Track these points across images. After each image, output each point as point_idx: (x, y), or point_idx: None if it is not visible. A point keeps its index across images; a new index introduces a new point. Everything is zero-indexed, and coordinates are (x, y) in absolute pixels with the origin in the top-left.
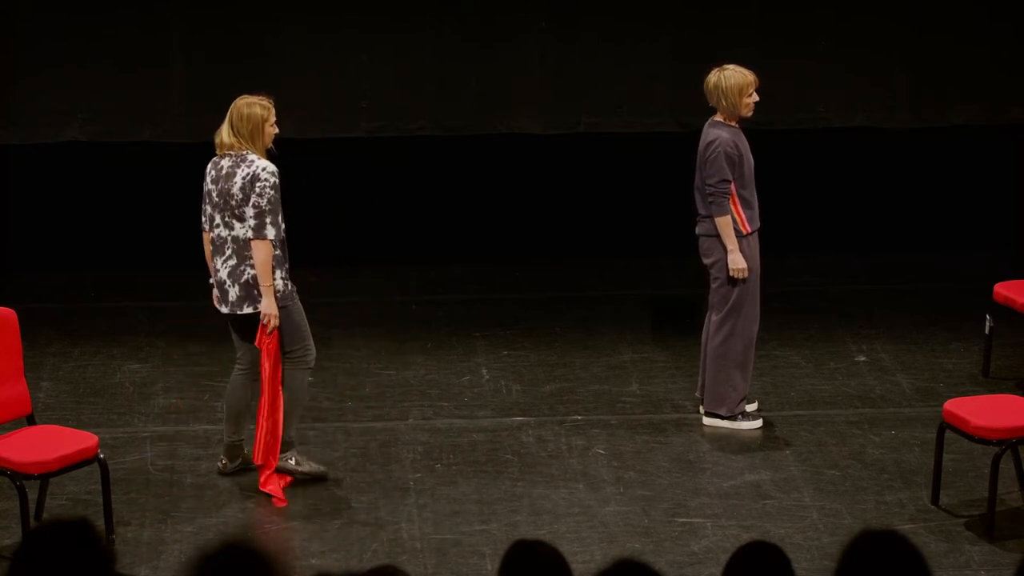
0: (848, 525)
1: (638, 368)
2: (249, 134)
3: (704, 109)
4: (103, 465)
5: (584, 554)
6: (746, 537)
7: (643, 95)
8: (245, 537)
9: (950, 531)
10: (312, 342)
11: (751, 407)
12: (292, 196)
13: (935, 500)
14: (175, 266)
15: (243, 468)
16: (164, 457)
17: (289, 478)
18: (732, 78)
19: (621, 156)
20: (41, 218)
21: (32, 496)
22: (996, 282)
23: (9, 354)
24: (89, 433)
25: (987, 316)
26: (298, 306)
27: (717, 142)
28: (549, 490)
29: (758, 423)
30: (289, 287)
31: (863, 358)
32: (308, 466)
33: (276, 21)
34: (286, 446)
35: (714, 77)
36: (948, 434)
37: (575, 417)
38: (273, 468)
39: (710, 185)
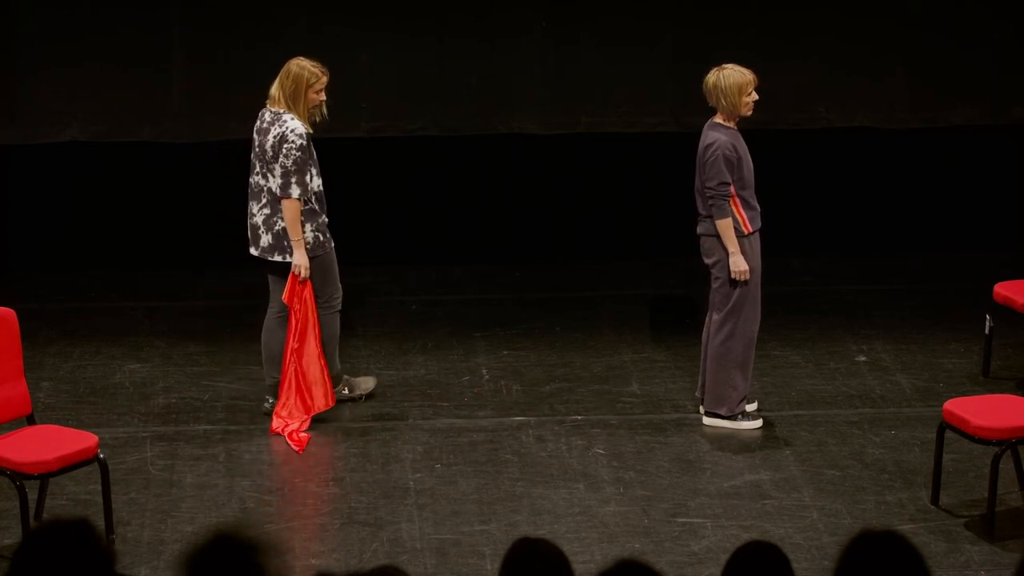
0: (848, 525)
1: (638, 368)
2: (291, 93)
3: (704, 109)
4: (103, 465)
5: (584, 554)
6: (746, 537)
7: (643, 95)
8: (237, 529)
9: (950, 531)
10: (340, 287)
11: (751, 407)
12: None
13: (935, 500)
14: (175, 266)
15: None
16: (164, 457)
17: (307, 436)
18: (731, 77)
19: (621, 156)
20: (41, 218)
21: (32, 496)
22: (996, 282)
23: (9, 354)
24: (89, 433)
25: (987, 316)
26: (329, 256)
27: (715, 145)
28: (549, 490)
29: (758, 423)
30: (320, 238)
31: (863, 358)
32: (359, 389)
33: (276, 21)
34: (336, 380)
35: (713, 77)
36: (948, 434)
37: (575, 417)
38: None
39: (710, 188)
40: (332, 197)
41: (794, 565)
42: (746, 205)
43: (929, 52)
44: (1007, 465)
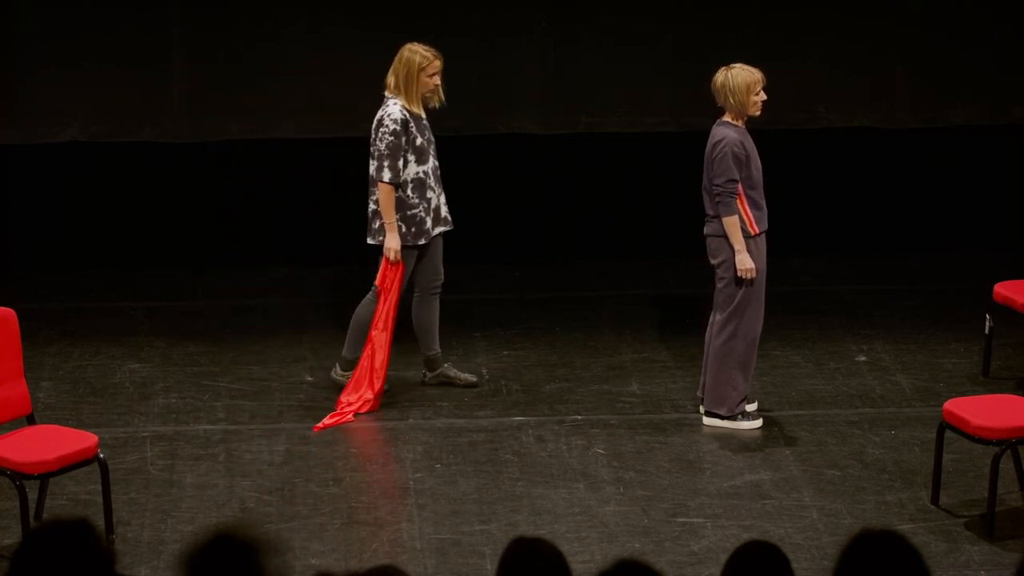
0: (848, 525)
1: (638, 368)
2: (404, 77)
3: (703, 109)
4: (103, 465)
5: (584, 554)
6: (746, 537)
7: (643, 95)
8: (237, 529)
9: (950, 531)
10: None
11: (751, 407)
12: (292, 196)
13: (935, 500)
14: (175, 266)
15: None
16: (164, 457)
17: (352, 418)
18: (739, 76)
19: (621, 156)
20: (41, 218)
21: (32, 496)
22: (996, 282)
23: (9, 354)
24: (89, 433)
25: (987, 316)
26: (413, 250)
27: (724, 142)
28: (549, 490)
29: (758, 423)
30: (402, 229)
31: (863, 358)
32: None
33: (276, 21)
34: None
35: (721, 76)
36: (948, 434)
37: (575, 417)
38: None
39: (717, 185)
40: (333, 197)
41: (794, 565)
42: (753, 205)
43: (929, 52)
44: (1007, 465)
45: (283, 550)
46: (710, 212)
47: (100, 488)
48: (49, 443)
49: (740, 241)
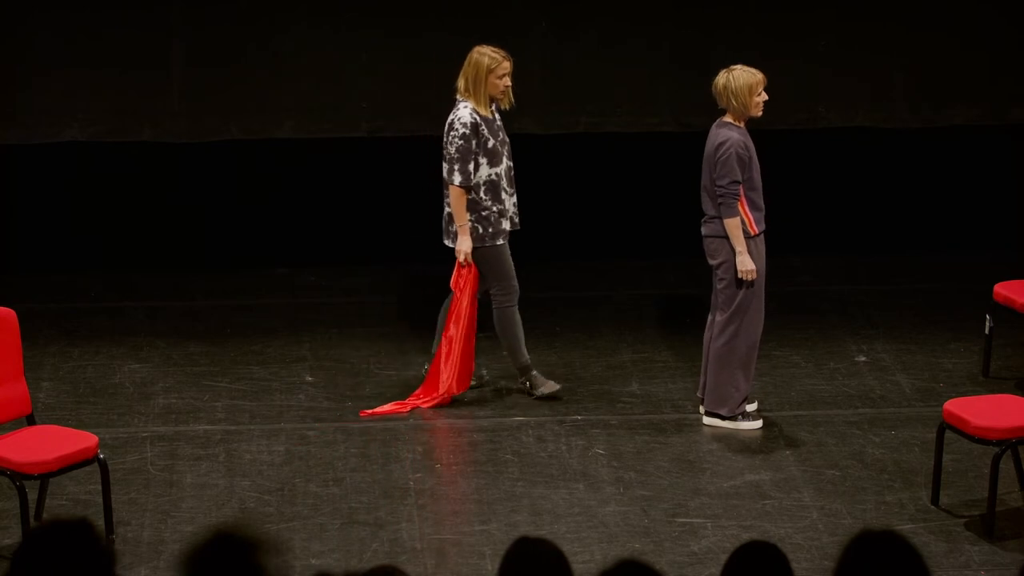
0: (848, 525)
1: (638, 368)
2: (473, 80)
3: (703, 109)
4: (103, 465)
5: (584, 554)
6: (746, 537)
7: (643, 95)
8: (237, 529)
9: (950, 531)
10: (512, 283)
11: (751, 407)
12: (292, 196)
13: (935, 500)
14: (175, 266)
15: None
16: (164, 457)
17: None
18: (741, 78)
19: (621, 156)
20: (41, 218)
21: (32, 496)
22: (996, 282)
23: (9, 354)
24: (89, 433)
25: (987, 316)
26: (495, 249)
27: (729, 143)
28: (549, 490)
29: (758, 423)
30: (479, 230)
31: (863, 358)
32: (540, 389)
33: (276, 21)
34: (522, 371)
35: (722, 79)
36: (948, 434)
37: (575, 417)
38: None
39: (720, 186)
40: (332, 197)
41: (794, 565)
42: (753, 206)
43: (929, 52)
44: (1007, 465)
45: (283, 550)
46: (709, 213)
47: (100, 488)
48: (49, 443)
49: (742, 242)
